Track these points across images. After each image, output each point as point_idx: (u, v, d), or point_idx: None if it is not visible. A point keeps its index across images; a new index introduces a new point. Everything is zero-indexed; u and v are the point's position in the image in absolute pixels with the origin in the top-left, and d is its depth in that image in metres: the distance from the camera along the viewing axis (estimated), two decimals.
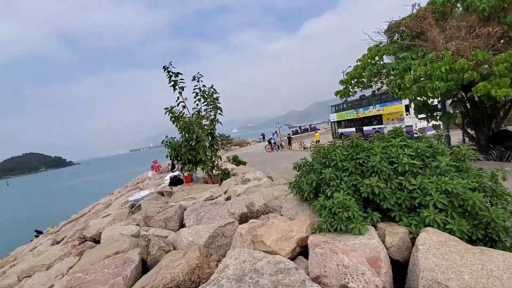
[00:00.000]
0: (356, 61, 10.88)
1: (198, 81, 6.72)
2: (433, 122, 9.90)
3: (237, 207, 4.13)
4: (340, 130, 26.85)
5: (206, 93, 6.74)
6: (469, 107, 9.52)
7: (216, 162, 6.85)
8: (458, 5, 8.62)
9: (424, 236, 2.43)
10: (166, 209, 5.05)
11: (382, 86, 11.59)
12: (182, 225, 4.49)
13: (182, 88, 6.73)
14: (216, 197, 5.43)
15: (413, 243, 2.64)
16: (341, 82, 11.45)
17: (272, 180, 6.83)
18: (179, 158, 6.94)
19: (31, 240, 15.25)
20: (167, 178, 7.34)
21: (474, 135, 9.67)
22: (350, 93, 11.15)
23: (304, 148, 23.58)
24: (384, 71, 10.09)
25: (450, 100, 9.96)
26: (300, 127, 50.16)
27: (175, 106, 6.91)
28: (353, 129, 24.04)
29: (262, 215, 3.95)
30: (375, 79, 10.98)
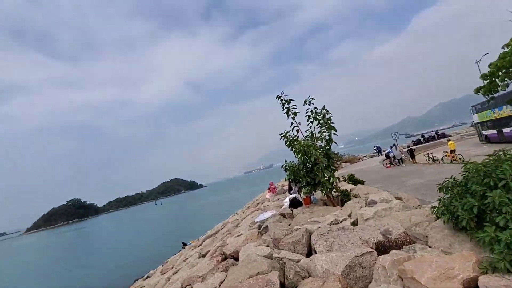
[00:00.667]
0: (502, 47, 8.56)
1: (309, 104, 6.89)
2: None
3: (370, 234, 3.80)
4: (484, 132, 23.15)
5: (319, 114, 6.80)
6: None
7: (334, 183, 6.64)
8: None
9: None
10: (291, 232, 5.20)
11: None
12: (310, 250, 4.49)
13: (295, 113, 7.05)
14: (341, 221, 5.19)
15: None
16: (483, 76, 9.19)
17: (403, 202, 5.98)
18: (297, 181, 7.13)
19: (180, 251, 18.75)
20: (287, 200, 7.63)
21: None
22: (500, 87, 8.76)
23: (434, 160, 19.72)
24: None
25: None
26: (423, 136, 42.60)
27: (289, 131, 7.26)
28: (495, 131, 21.64)
29: (403, 245, 3.47)
30: None
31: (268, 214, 7.49)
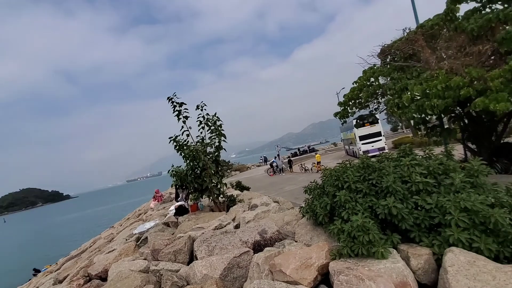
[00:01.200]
0: (352, 83, 11.20)
1: (201, 110, 6.85)
2: (434, 138, 10.00)
3: (249, 235, 4.02)
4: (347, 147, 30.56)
5: (210, 121, 6.84)
6: (467, 122, 9.67)
7: (222, 189, 6.78)
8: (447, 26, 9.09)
9: (451, 257, 2.36)
10: (174, 240, 4.90)
11: (379, 106, 11.83)
12: (192, 257, 4.34)
13: (186, 117, 6.84)
14: (225, 226, 5.30)
15: (438, 265, 2.56)
16: (340, 104, 11.70)
17: (280, 205, 6.72)
18: (184, 187, 6.86)
19: (30, 279, 14.58)
20: (172, 208, 7.20)
21: (476, 149, 9.72)
22: (349, 114, 11.36)
23: (306, 170, 23.48)
24: (380, 91, 10.37)
25: (448, 116, 10.13)
26: (299, 149, 50.29)
27: (179, 135, 6.96)
28: (347, 147, 30.17)
29: (276, 242, 3.83)
30: (371, 100, 11.25)
31: (149, 224, 6.84)
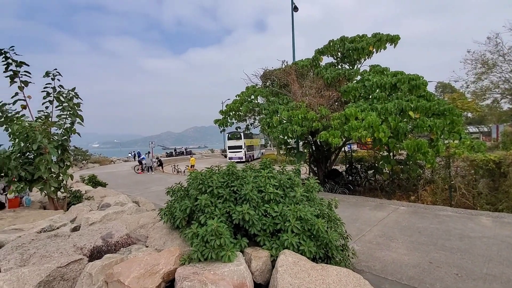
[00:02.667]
0: (236, 96, 11.94)
1: (53, 79, 5.34)
2: (290, 157, 11.94)
3: (88, 240, 3.34)
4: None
5: (64, 95, 5.42)
6: (314, 148, 12.15)
7: (65, 181, 5.43)
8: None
9: (282, 258, 2.73)
10: None
11: (254, 122, 13.11)
12: None
13: (26, 82, 5.14)
14: (57, 227, 4.23)
15: (273, 266, 2.92)
16: (221, 112, 12.16)
17: (139, 206, 6.07)
18: (3, 174, 5.05)
19: None
20: None
21: (316, 171, 12.31)
22: (228, 123, 11.96)
23: (178, 171, 22.77)
24: (257, 109, 11.54)
25: (303, 141, 12.42)
26: (175, 150, 48.51)
27: (9, 104, 5.15)
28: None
29: (122, 248, 3.35)
30: (250, 115, 12.35)
31: None
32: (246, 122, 13.04)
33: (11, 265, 2.93)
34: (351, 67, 11.00)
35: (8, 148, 5.09)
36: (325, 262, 3.17)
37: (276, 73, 11.26)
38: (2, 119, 4.97)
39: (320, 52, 11.17)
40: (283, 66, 11.54)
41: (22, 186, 4.88)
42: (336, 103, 10.05)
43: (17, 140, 4.92)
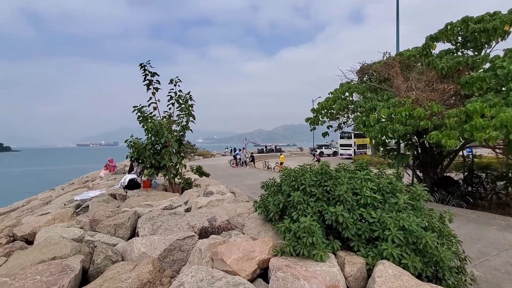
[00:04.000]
0: (328, 94, 11.54)
1: (175, 85, 6.53)
2: (389, 160, 10.73)
3: (197, 220, 3.94)
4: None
5: (182, 98, 6.55)
6: (420, 151, 10.53)
7: (180, 170, 6.56)
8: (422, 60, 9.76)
9: (381, 268, 2.52)
10: (117, 214, 4.64)
11: (348, 120, 12.37)
12: (134, 234, 4.14)
13: (157, 89, 6.46)
14: (175, 207, 5.14)
15: (368, 274, 2.73)
16: (313, 110, 12.00)
17: (235, 196, 6.71)
18: (140, 161, 6.51)
19: None
20: (123, 180, 6.81)
21: (422, 177, 10.65)
22: (319, 122, 11.70)
23: (268, 167, 23.86)
24: (351, 107, 10.83)
25: (405, 142, 10.95)
26: (266, 147, 50.96)
27: (145, 106, 6.58)
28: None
29: (223, 232, 3.81)
30: (343, 113, 11.72)
31: (94, 193, 6.40)
32: (338, 120, 12.46)
33: (145, 232, 3.77)
34: (476, 53, 8.96)
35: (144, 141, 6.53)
36: (433, 283, 2.75)
37: (375, 67, 10.29)
38: (141, 118, 6.39)
39: (433, 39, 9.56)
40: (384, 58, 10.42)
41: (152, 171, 6.19)
42: (453, 98, 8.41)
43: (150, 134, 6.24)
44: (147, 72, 6.37)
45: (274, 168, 23.21)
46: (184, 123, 6.55)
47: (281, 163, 22.62)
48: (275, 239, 3.43)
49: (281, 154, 28.87)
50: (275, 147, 51.75)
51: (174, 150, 6.19)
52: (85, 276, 2.96)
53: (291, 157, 40.54)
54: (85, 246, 3.45)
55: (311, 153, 43.18)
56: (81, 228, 4.29)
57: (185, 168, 6.93)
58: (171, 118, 6.59)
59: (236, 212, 4.75)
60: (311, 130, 12.63)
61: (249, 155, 25.83)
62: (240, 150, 25.99)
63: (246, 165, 24.11)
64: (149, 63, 6.36)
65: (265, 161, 26.18)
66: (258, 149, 49.19)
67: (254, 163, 26.16)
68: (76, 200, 6.15)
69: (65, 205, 6.20)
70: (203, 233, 3.74)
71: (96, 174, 14.60)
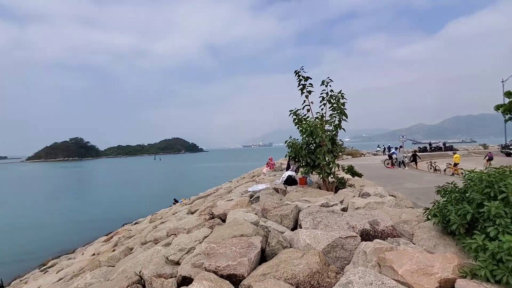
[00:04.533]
0: None
1: (326, 86, 6.69)
2: None
3: (357, 221, 3.84)
4: None
5: (334, 97, 6.61)
6: None
7: (333, 169, 6.64)
8: None
9: None
10: (281, 206, 5.29)
11: None
12: (296, 225, 4.58)
13: (310, 92, 6.85)
14: (331, 205, 5.25)
15: None
16: (507, 93, 8.81)
17: (397, 200, 6.00)
18: (296, 160, 7.12)
19: (170, 206, 19.43)
20: (284, 176, 7.69)
21: None
22: None
23: (436, 170, 19.63)
24: None
25: None
26: (430, 144, 42.04)
27: (300, 109, 7.13)
28: None
29: (388, 238, 3.51)
30: None
31: (261, 186, 7.59)
32: None
33: (307, 225, 4.07)
34: None
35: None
36: None
37: None
38: (296, 120, 6.99)
39: None
40: None
41: (307, 169, 6.63)
42: None
43: (304, 135, 6.71)
44: (301, 77, 6.89)
45: (445, 170, 18.80)
46: (336, 122, 6.57)
47: (456, 164, 17.95)
48: (460, 256, 2.81)
49: (454, 153, 22.90)
50: (444, 144, 41.61)
51: (327, 149, 6.33)
52: (263, 254, 3.58)
53: (469, 156, 31.25)
54: (261, 229, 4.18)
55: (502, 151, 30.37)
56: (255, 214, 5.22)
57: (338, 168, 6.93)
58: (324, 118, 6.79)
59: (401, 218, 4.25)
60: (505, 120, 9.28)
61: (410, 154, 22.20)
62: (396, 148, 22.89)
63: (405, 166, 20.92)
64: (302, 69, 6.85)
65: (430, 162, 21.65)
66: (419, 147, 41.37)
67: (416, 164, 22.26)
68: (249, 191, 7.54)
69: (242, 194, 7.75)
70: (365, 235, 3.60)
71: (260, 170, 17.26)
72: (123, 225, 18.42)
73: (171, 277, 3.30)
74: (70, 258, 12.18)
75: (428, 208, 3.71)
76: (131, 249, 6.45)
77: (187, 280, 3.10)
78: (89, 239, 18.16)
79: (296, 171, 8.19)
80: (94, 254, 9.74)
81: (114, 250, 7.42)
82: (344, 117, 6.54)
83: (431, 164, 20.60)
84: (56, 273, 8.88)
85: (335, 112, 6.59)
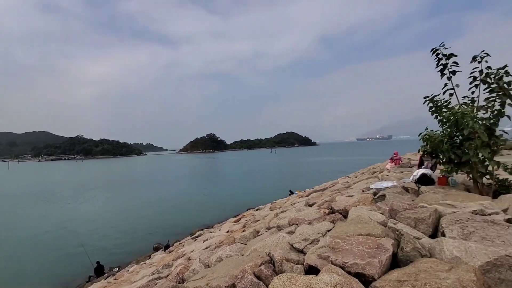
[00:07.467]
0: None
1: (479, 62, 5.21)
2: None
3: None
4: None
5: (491, 76, 5.08)
6: None
7: (491, 168, 5.17)
8: None
9: None
10: (415, 207, 4.61)
11: None
12: (435, 232, 3.90)
13: (454, 72, 5.54)
14: (489, 214, 4.15)
15: None
16: None
17: None
18: (434, 155, 5.98)
19: (286, 197, 20.49)
20: (416, 174, 6.64)
21: None
22: None
23: None
24: None
25: None
26: None
27: (438, 95, 5.91)
28: None
29: None
30: None
31: (387, 184, 6.86)
32: None
33: (454, 234, 3.40)
34: None
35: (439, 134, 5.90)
36: None
37: None
38: (433, 109, 5.85)
39: None
40: None
41: (450, 167, 5.44)
42: None
43: (446, 126, 5.53)
44: (440, 56, 5.67)
45: None
46: (497, 107, 5.03)
47: None
48: None
49: None
50: None
51: (481, 142, 4.98)
52: (394, 259, 3.26)
53: None
54: (390, 231, 3.80)
55: None
56: (381, 214, 4.78)
57: (499, 167, 5.34)
58: (475, 103, 5.34)
59: None
60: None
61: None
62: None
63: None
64: (443, 45, 5.60)
65: None
66: None
67: None
68: (372, 188, 6.97)
69: (363, 191, 7.26)
70: None
71: (381, 165, 15.59)
72: (247, 210, 20.92)
73: (298, 264, 3.52)
74: (211, 232, 14.99)
75: None
76: (258, 231, 7.24)
77: (313, 269, 3.22)
78: (222, 217, 21.84)
79: (432, 168, 6.89)
80: (228, 232, 11.53)
81: (243, 231, 8.53)
82: (510, 101, 4.92)
83: None
84: (203, 242, 11.10)
85: (495, 94, 5.03)
